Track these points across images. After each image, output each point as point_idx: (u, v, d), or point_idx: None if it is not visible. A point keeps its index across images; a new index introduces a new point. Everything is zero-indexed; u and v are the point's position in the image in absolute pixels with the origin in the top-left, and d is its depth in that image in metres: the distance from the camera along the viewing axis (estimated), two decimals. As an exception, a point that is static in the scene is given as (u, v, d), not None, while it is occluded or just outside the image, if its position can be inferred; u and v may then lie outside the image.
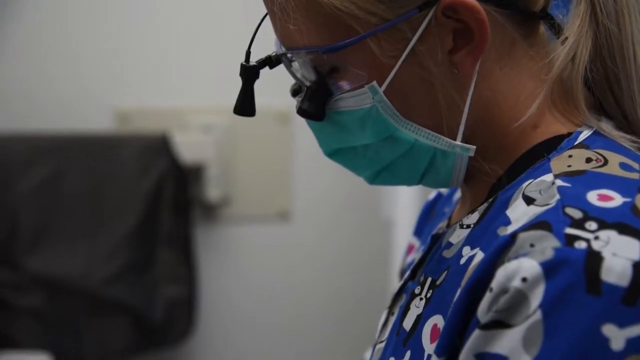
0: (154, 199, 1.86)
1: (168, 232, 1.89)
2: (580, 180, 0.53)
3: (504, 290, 0.49)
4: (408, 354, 0.59)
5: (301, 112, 0.61)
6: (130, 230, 1.85)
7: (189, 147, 1.88)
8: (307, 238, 2.07)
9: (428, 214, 0.81)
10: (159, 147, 1.85)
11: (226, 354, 2.05)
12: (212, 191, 1.92)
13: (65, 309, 1.82)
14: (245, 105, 0.64)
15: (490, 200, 0.58)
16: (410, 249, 0.81)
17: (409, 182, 0.64)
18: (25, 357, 1.64)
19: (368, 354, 0.90)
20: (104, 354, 1.87)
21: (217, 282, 2.03)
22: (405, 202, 1.76)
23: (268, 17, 0.61)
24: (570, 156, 0.56)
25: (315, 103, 0.60)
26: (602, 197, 0.51)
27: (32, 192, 1.79)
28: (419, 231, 0.81)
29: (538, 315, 0.47)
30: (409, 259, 0.80)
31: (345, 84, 0.59)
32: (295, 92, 0.64)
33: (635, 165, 0.55)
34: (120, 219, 1.85)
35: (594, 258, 0.48)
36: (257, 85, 0.64)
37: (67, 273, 1.81)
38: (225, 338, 2.05)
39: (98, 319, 1.85)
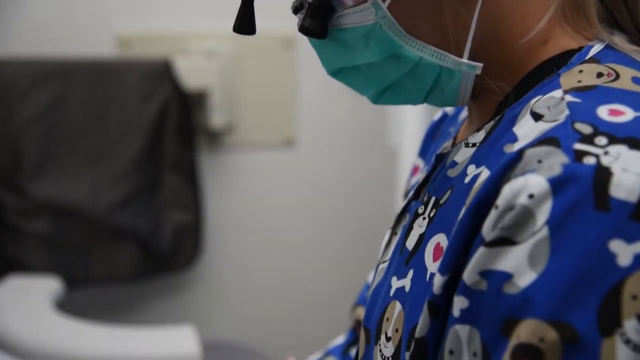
0: (158, 125, 1.86)
1: (173, 158, 1.89)
2: (591, 96, 0.52)
3: (509, 207, 0.48)
4: (411, 273, 0.59)
5: (303, 29, 0.59)
6: (135, 157, 1.85)
7: (191, 73, 1.85)
8: (311, 165, 2.07)
9: (433, 135, 0.79)
10: (162, 72, 1.83)
11: (233, 279, 2.08)
12: (216, 118, 1.91)
13: (72, 234, 1.83)
14: (244, 24, 0.62)
15: (497, 117, 0.57)
16: (414, 170, 0.80)
17: (413, 101, 0.62)
18: (35, 279, 1.66)
19: (371, 276, 0.90)
20: (112, 278, 1.90)
21: (222, 208, 2.03)
22: (412, 129, 1.75)
23: None
24: (580, 71, 0.55)
25: (317, 20, 0.58)
26: (613, 112, 0.50)
27: (35, 117, 1.79)
28: (423, 152, 0.80)
29: (544, 231, 0.46)
30: (414, 180, 0.79)
31: (347, 0, 0.58)
32: (296, 9, 0.62)
33: None
34: (125, 145, 1.84)
35: (602, 173, 0.46)
36: (261, 10, 0.62)
37: (72, 199, 1.81)
38: (231, 263, 2.07)
39: (105, 244, 1.86)
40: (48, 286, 1.62)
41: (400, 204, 0.70)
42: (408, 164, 1.73)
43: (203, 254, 2.02)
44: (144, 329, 1.40)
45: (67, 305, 1.73)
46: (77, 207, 1.82)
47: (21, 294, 1.56)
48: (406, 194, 0.80)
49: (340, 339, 0.94)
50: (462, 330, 0.50)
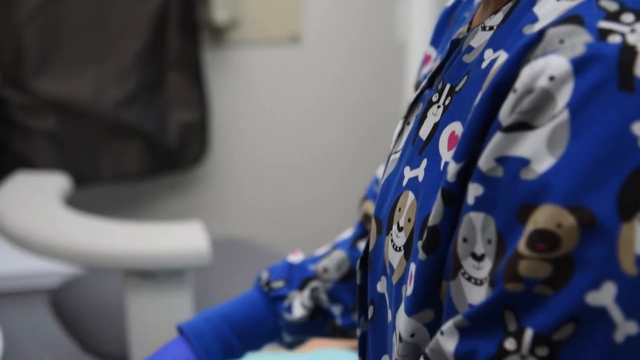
0: (161, 20, 1.82)
1: (177, 54, 1.86)
2: None
3: (528, 90, 0.46)
4: (424, 162, 0.58)
5: None
6: (138, 53, 1.82)
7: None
8: (318, 61, 2.04)
9: (446, 22, 0.76)
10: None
11: (240, 176, 2.08)
12: (220, 13, 1.86)
13: (78, 131, 1.83)
14: None
15: None
16: (426, 59, 0.78)
17: None
18: (42, 176, 1.66)
19: (381, 170, 0.89)
20: (120, 176, 1.90)
21: (228, 106, 2.02)
22: (420, 23, 1.71)
23: None
24: None
25: None
26: None
27: (35, 12, 1.75)
28: (435, 40, 0.77)
29: (565, 115, 0.45)
30: (425, 69, 0.76)
31: None
32: None
33: None
34: (127, 40, 1.81)
35: (628, 52, 0.44)
36: None
37: (76, 95, 1.80)
38: (238, 161, 2.07)
39: (112, 142, 1.86)
40: (56, 182, 1.62)
41: (410, 96, 0.68)
42: (417, 59, 1.70)
43: (210, 152, 2.01)
44: (152, 225, 1.41)
45: (75, 203, 1.74)
46: (81, 104, 1.80)
47: (29, 189, 1.57)
48: (418, 85, 0.78)
49: (348, 233, 0.94)
50: (476, 218, 0.49)
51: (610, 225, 0.44)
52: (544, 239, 0.45)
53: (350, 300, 0.90)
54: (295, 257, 0.91)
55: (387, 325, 0.62)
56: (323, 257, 0.91)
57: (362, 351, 0.67)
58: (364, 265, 0.66)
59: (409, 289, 0.55)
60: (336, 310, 0.88)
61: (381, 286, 0.62)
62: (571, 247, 0.44)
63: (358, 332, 0.68)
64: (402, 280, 0.57)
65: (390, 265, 0.59)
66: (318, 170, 2.11)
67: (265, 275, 0.89)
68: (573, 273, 0.44)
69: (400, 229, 0.58)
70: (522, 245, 0.45)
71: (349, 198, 2.05)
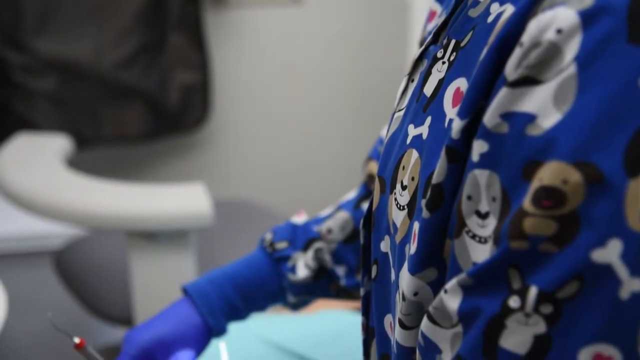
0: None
1: (177, 15, 1.84)
2: None
3: (535, 44, 0.45)
4: (428, 119, 0.57)
5: None
6: (138, 13, 1.80)
7: None
8: (320, 21, 2.02)
9: (452, -23, 0.75)
10: None
11: (242, 138, 2.07)
12: (222, -28, 1.84)
13: (79, 92, 1.82)
14: None
15: None
16: (431, 15, 0.76)
17: None
18: (44, 137, 1.65)
19: (384, 130, 0.88)
20: (122, 138, 1.90)
21: (230, 67, 2.00)
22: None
23: None
24: None
25: None
26: None
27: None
28: (441, -4, 0.76)
29: (572, 68, 0.44)
30: (430, 25, 0.75)
31: None
32: None
33: None
34: (127, 0, 1.79)
35: (638, 3, 0.43)
36: None
37: (77, 56, 1.79)
38: (240, 123, 2.06)
39: (113, 104, 1.85)
40: (57, 144, 1.62)
41: (415, 53, 0.67)
42: (421, 15, 1.68)
43: (212, 114, 2.00)
44: (154, 186, 1.41)
45: (76, 165, 1.74)
46: (82, 65, 1.79)
47: (31, 151, 1.56)
48: (422, 41, 0.77)
49: (352, 194, 0.93)
50: (481, 175, 0.48)
51: (617, 181, 0.43)
52: (549, 196, 0.44)
53: (354, 261, 0.89)
54: (299, 219, 0.91)
55: (390, 285, 0.61)
56: (327, 218, 0.90)
57: (366, 311, 0.67)
58: (367, 225, 0.66)
59: (412, 248, 0.54)
60: (340, 271, 0.88)
61: (385, 245, 0.62)
62: (577, 204, 0.44)
63: (361, 291, 0.67)
64: (406, 239, 0.57)
65: (394, 224, 0.59)
66: (321, 131, 2.10)
67: (269, 236, 0.89)
68: (578, 230, 0.44)
69: (404, 187, 0.58)
70: (527, 203, 0.45)
71: (353, 159, 2.05)
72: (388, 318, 0.62)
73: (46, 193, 1.36)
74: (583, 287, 0.44)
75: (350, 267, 0.89)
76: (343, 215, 0.89)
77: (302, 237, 0.88)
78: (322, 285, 0.89)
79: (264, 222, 1.66)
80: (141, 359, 0.79)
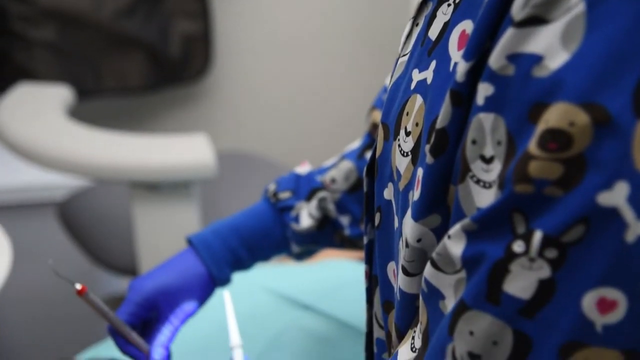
0: None
1: (178, -38, 1.82)
2: None
3: None
4: (433, 64, 0.56)
5: None
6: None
7: None
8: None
9: None
10: None
11: (245, 89, 2.06)
12: None
13: (79, 42, 1.80)
14: None
15: None
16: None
17: None
18: (45, 87, 1.64)
19: (389, 78, 0.87)
20: (123, 89, 1.88)
21: (232, 16, 1.98)
22: None
23: None
24: None
25: None
26: None
27: None
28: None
29: (581, 7, 0.43)
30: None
31: None
32: None
33: None
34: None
35: None
36: None
37: (77, 5, 1.77)
38: (243, 73, 2.04)
39: (114, 54, 1.83)
40: (58, 94, 1.60)
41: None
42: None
43: (214, 64, 1.98)
44: (157, 137, 1.40)
45: (77, 116, 1.73)
46: (82, 14, 1.77)
47: (31, 100, 1.55)
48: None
49: (356, 144, 0.93)
50: (485, 119, 0.48)
51: (625, 122, 0.42)
52: (555, 139, 0.43)
53: (359, 211, 0.89)
54: (303, 169, 0.90)
55: (393, 232, 0.61)
56: (331, 168, 0.90)
57: (369, 259, 0.67)
58: (370, 173, 0.65)
59: (415, 194, 0.54)
60: (344, 220, 0.88)
61: (388, 193, 0.61)
62: (583, 147, 0.43)
63: (365, 240, 0.67)
64: (409, 186, 0.56)
65: (398, 171, 0.58)
66: (325, 81, 2.09)
67: (272, 187, 0.89)
68: (584, 173, 0.43)
69: (407, 133, 0.57)
70: (532, 146, 0.44)
71: (357, 109, 2.04)
72: (391, 265, 0.62)
73: (49, 143, 1.35)
74: (588, 231, 0.43)
75: (354, 217, 0.89)
76: (347, 164, 0.89)
77: (305, 187, 0.88)
78: (326, 235, 0.89)
79: (267, 173, 1.66)
80: (145, 307, 0.79)
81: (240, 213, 0.89)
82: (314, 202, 0.88)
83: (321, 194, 0.88)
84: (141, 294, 0.80)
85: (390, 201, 0.61)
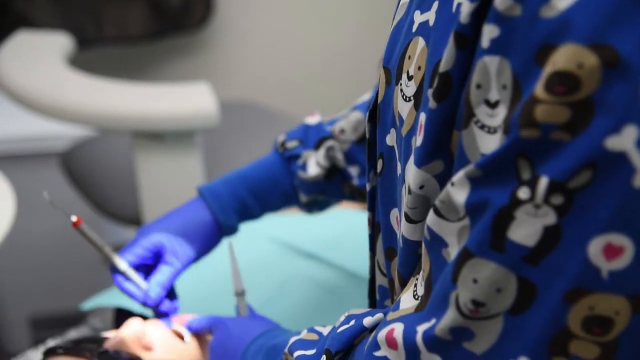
0: None
1: None
2: None
3: None
4: (435, 4, 0.54)
5: None
6: None
7: None
8: None
9: None
10: None
11: (248, 38, 2.03)
12: None
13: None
14: None
15: None
16: None
17: None
18: (45, 35, 1.62)
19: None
20: (124, 38, 1.86)
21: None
22: None
23: None
24: None
25: None
26: None
27: None
28: None
29: None
30: None
31: None
32: None
33: None
34: None
35: None
36: None
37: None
38: (245, 22, 2.01)
39: (115, 1, 1.81)
40: (58, 42, 1.58)
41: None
42: None
43: (215, 13, 1.96)
44: (159, 86, 1.38)
45: (78, 65, 1.71)
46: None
47: (31, 48, 1.53)
48: None
49: (367, 96, 0.92)
50: (491, 62, 0.46)
51: (635, 63, 0.41)
52: (563, 81, 0.42)
53: (367, 161, 0.89)
54: (312, 119, 0.90)
55: (396, 179, 0.60)
56: (341, 119, 0.90)
57: (372, 206, 0.66)
58: (372, 118, 0.64)
59: (418, 140, 0.53)
60: (353, 171, 0.88)
61: (390, 139, 0.60)
62: (592, 89, 0.41)
63: (367, 187, 0.66)
64: (412, 131, 0.55)
65: (400, 117, 0.57)
66: (331, 29, 2.05)
67: (281, 137, 0.90)
68: (592, 117, 0.42)
69: (410, 77, 0.55)
70: (539, 89, 0.43)
71: (364, 57, 2.01)
72: (394, 212, 0.62)
73: (50, 92, 1.34)
74: (596, 176, 0.42)
75: (363, 167, 0.88)
76: (356, 115, 0.89)
77: (314, 137, 0.88)
78: (334, 185, 0.89)
79: (270, 123, 1.65)
80: (148, 249, 0.80)
81: (250, 164, 0.90)
82: (321, 151, 0.87)
83: (329, 143, 0.87)
84: (147, 237, 0.81)
85: (392, 147, 0.60)
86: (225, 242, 0.95)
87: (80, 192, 1.54)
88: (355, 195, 0.90)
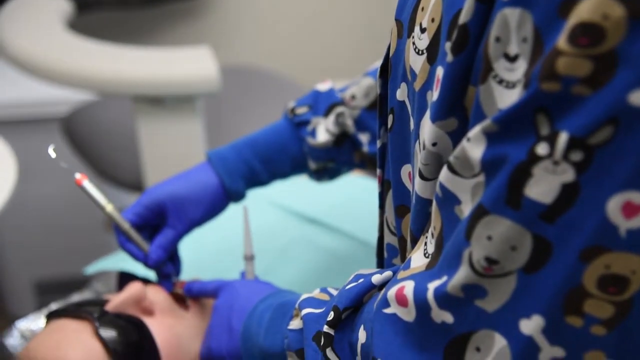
0: None
1: None
2: None
3: None
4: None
5: None
6: None
7: None
8: None
9: None
10: None
11: (248, 1, 2.01)
12: None
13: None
14: None
15: None
16: None
17: None
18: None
19: None
20: (122, 1, 1.84)
21: None
22: None
23: None
24: None
25: None
26: None
27: None
28: None
29: None
30: None
31: None
32: None
33: None
34: None
35: None
36: None
37: None
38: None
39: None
40: (58, 6, 1.56)
41: None
42: None
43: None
44: (160, 50, 1.37)
45: (77, 29, 1.69)
46: None
47: (30, 13, 1.51)
48: None
49: (379, 62, 0.90)
50: (511, 15, 0.45)
51: None
52: (587, 33, 0.41)
53: (378, 128, 0.88)
54: (324, 85, 0.89)
55: (408, 135, 0.59)
56: (352, 85, 0.88)
57: (382, 163, 0.66)
58: (384, 73, 0.63)
59: (435, 94, 0.52)
60: (363, 138, 0.87)
61: (401, 94, 0.59)
62: (616, 42, 0.40)
63: (378, 144, 0.65)
64: (426, 85, 0.54)
65: (412, 71, 0.56)
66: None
67: (291, 104, 0.88)
68: (615, 70, 0.41)
69: (422, 30, 0.54)
70: (562, 41, 0.42)
71: (374, 22, 1.99)
72: (406, 168, 0.61)
73: (50, 56, 1.32)
74: (617, 132, 0.41)
75: (374, 134, 0.87)
76: (368, 81, 0.87)
77: (324, 103, 0.87)
78: (344, 152, 0.88)
79: (273, 88, 1.63)
80: (152, 210, 0.80)
81: (260, 130, 0.89)
82: (331, 117, 0.86)
83: (339, 109, 0.86)
84: (150, 197, 0.80)
85: (403, 102, 0.59)
86: (232, 208, 0.94)
87: (82, 157, 1.53)
88: (365, 163, 0.89)
